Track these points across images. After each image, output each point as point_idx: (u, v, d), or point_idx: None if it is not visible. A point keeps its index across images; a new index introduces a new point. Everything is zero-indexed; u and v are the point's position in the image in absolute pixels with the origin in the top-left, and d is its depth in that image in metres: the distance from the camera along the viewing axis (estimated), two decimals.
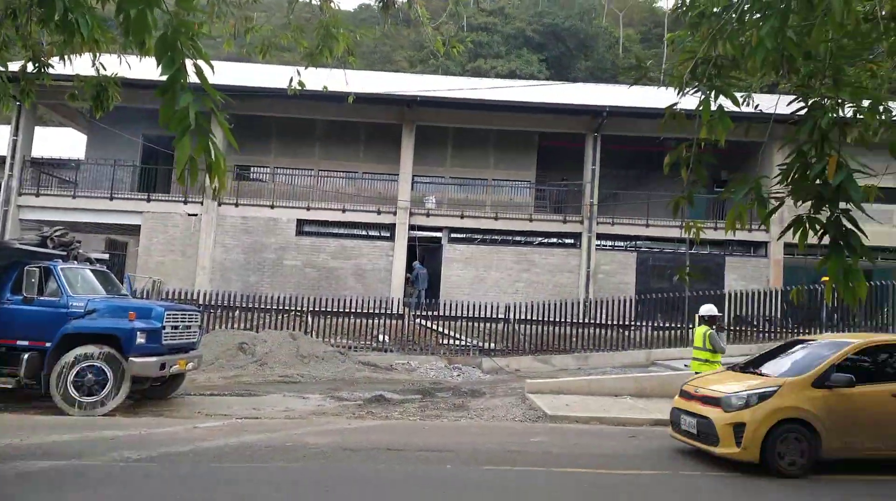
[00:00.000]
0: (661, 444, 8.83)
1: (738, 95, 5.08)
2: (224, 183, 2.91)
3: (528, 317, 17.22)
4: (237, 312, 16.91)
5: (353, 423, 9.37)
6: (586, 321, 17.39)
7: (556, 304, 17.27)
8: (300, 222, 20.62)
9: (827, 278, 3.00)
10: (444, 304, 17.93)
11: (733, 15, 3.14)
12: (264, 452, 7.24)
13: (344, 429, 8.87)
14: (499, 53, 41.97)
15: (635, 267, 20.75)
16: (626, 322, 17.36)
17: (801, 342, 8.34)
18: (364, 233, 20.93)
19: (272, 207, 20.51)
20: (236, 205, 20.52)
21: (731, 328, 17.18)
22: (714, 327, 10.29)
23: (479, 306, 17.19)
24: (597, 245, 20.82)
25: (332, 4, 5.55)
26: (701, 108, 3.36)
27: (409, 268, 20.50)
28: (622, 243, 21.02)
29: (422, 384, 13.54)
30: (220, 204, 20.48)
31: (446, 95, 20.33)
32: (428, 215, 20.85)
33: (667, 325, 17.23)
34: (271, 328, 16.52)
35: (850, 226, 2.88)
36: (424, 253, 21.59)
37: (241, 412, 9.85)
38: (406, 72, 35.40)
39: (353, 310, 17.02)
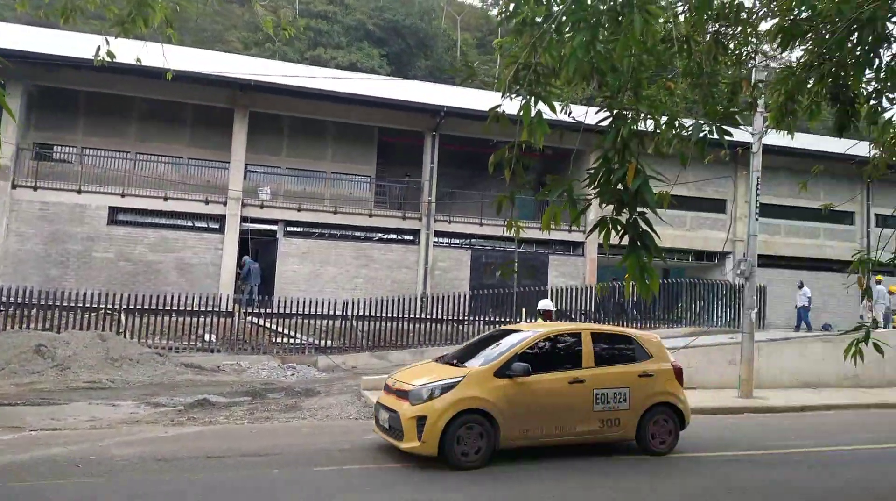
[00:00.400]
0: None
1: (558, 104, 5.40)
2: None
3: (367, 313, 17.15)
4: (34, 310, 14.86)
5: (170, 431, 8.64)
6: (423, 316, 17.73)
7: (394, 300, 17.39)
8: (113, 210, 18.62)
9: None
10: (279, 300, 17.26)
11: (553, 26, 3.30)
12: (63, 467, 6.42)
13: (158, 438, 8.14)
14: (339, 44, 41.30)
15: (470, 264, 21.56)
16: (461, 317, 17.98)
17: (508, 332, 8.16)
18: (189, 224, 19.43)
19: (79, 191, 18.28)
20: (34, 188, 18.02)
21: (553, 321, 18.48)
22: (545, 320, 10.98)
23: (316, 302, 16.80)
24: (434, 242, 21.31)
25: None
26: (521, 112, 3.50)
27: (240, 263, 19.42)
28: (458, 241, 21.73)
29: (252, 386, 12.88)
30: (13, 186, 17.86)
31: (283, 81, 19.48)
32: (262, 206, 19.92)
33: (497, 319, 18.10)
34: (77, 328, 14.74)
35: (645, 227, 3.16)
36: (258, 247, 20.62)
37: (36, 423, 8.65)
38: (240, 53, 33.43)
39: (175, 308, 15.72)
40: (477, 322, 17.91)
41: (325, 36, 41.33)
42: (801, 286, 20.62)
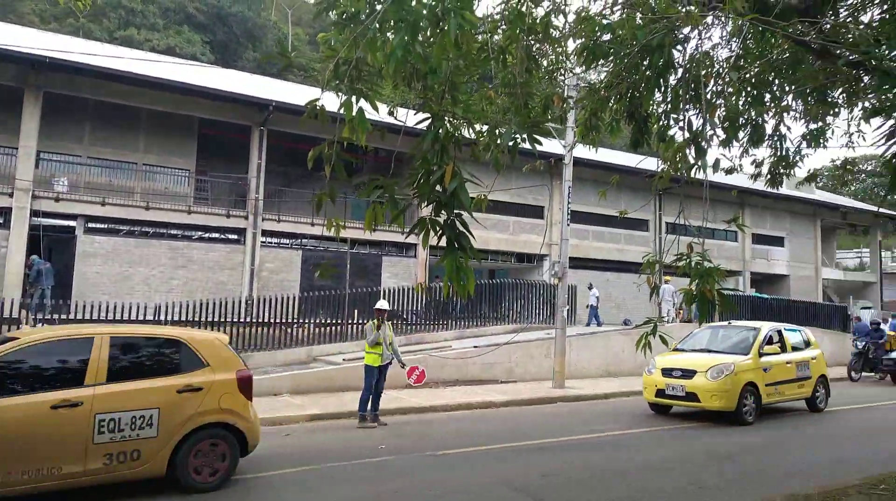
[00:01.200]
0: (317, 440, 9.00)
1: (385, 105, 5.37)
2: None
3: (185, 317, 15.83)
4: None
5: None
6: (249, 320, 16.80)
7: (216, 303, 16.27)
8: None
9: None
10: (77, 305, 15.29)
11: (376, 24, 3.25)
12: None
13: None
14: (154, 26, 37.91)
15: (300, 265, 20.90)
16: (290, 320, 17.33)
17: None
18: None
19: None
20: None
21: (385, 322, 18.55)
22: (379, 321, 10.94)
23: (124, 307, 15.16)
24: (262, 242, 20.35)
25: None
26: (343, 109, 3.41)
27: (28, 263, 16.93)
28: (288, 241, 20.96)
29: None
30: None
31: (85, 60, 17.35)
32: (57, 199, 17.55)
33: (329, 321, 17.74)
34: None
35: (462, 229, 3.23)
36: (51, 245, 18.16)
37: None
38: (36, 28, 29.27)
39: None
40: (308, 325, 17.40)
41: (138, 16, 37.67)
42: (590, 288, 22.79)
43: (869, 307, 33.70)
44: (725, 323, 14.04)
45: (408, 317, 19.29)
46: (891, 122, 3.30)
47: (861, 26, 4.04)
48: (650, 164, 6.31)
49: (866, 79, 5.07)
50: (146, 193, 19.42)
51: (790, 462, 8.27)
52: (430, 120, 3.16)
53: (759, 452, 8.81)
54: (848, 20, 4.18)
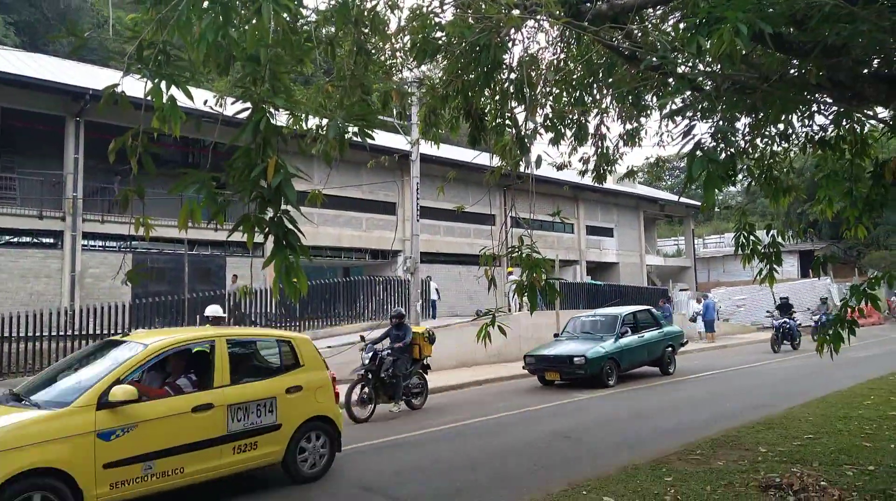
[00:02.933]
0: None
1: (211, 94, 5.01)
2: None
3: None
4: None
5: None
6: (71, 332, 15.05)
7: (29, 315, 14.38)
8: None
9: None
10: None
11: (186, 5, 2.98)
12: None
13: None
14: None
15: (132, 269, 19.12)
16: (122, 330, 15.78)
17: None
18: None
19: None
20: None
21: (232, 326, 17.57)
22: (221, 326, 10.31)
23: None
24: (84, 246, 18.34)
25: None
26: (150, 96, 3.10)
27: None
28: (115, 244, 19.08)
29: None
30: None
31: None
32: None
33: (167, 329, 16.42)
34: None
35: (290, 226, 3.08)
36: None
37: None
38: None
39: None
40: None
41: None
42: (429, 280, 23.29)
43: (686, 289, 38.04)
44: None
45: (259, 321, 18.43)
46: (686, 121, 3.68)
47: (663, 33, 4.45)
48: (487, 160, 6.52)
49: (671, 81, 5.62)
50: None
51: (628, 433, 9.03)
52: (250, 110, 2.96)
53: (596, 430, 9.53)
54: (650, 27, 4.60)
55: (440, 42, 4.57)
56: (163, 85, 3.19)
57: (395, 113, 7.14)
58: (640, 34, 5.16)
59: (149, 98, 3.26)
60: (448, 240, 27.64)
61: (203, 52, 2.78)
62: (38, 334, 14.34)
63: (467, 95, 5.55)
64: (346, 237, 24.06)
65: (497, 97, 5.36)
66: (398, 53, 5.79)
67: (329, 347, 15.73)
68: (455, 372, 16.74)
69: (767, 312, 24.00)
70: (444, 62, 5.57)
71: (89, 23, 39.78)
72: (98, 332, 15.27)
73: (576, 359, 13.38)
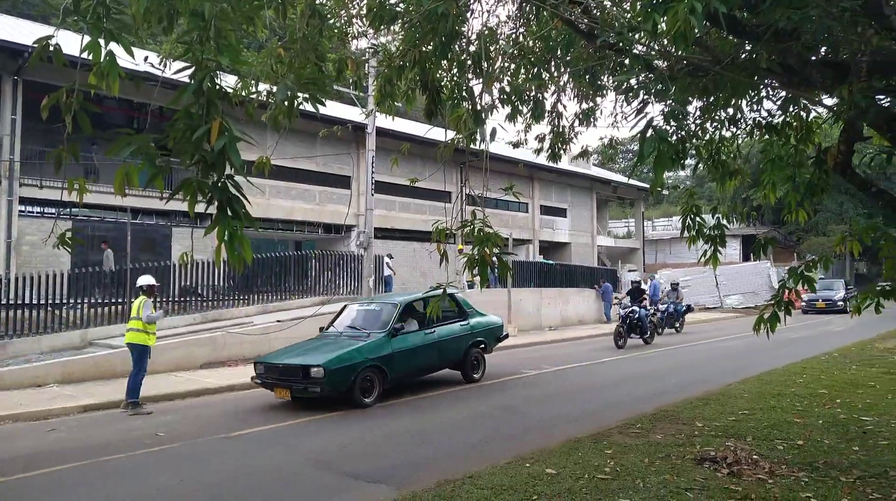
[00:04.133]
0: (90, 434, 8.02)
1: (153, 55, 4.76)
2: None
3: None
4: None
5: None
6: (6, 302, 14.36)
7: None
8: None
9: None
10: None
11: None
12: None
13: None
14: None
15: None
16: (60, 301, 15.14)
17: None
18: None
19: None
20: None
21: (178, 299, 17.09)
22: (153, 297, 10.02)
23: None
24: (20, 211, 17.47)
25: None
26: (88, 51, 2.92)
27: None
28: (54, 210, 18.22)
29: None
30: None
31: None
32: None
33: (108, 300, 15.83)
34: None
35: (235, 192, 2.96)
36: None
37: None
38: None
39: None
40: (81, 306, 15.37)
41: None
42: (390, 257, 23.07)
43: (634, 270, 39.01)
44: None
45: (206, 293, 17.98)
46: (639, 100, 3.71)
47: (621, 10, 4.45)
48: (441, 134, 6.45)
49: (627, 61, 5.64)
50: None
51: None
52: (193, 69, 2.81)
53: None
54: (608, 4, 4.59)
55: (398, 9, 4.45)
56: (101, 40, 3.00)
57: (350, 83, 6.97)
58: (598, 12, 5.16)
59: (87, 54, 3.08)
60: (403, 216, 27.50)
61: (144, 5, 2.61)
62: None
63: (424, 66, 5.44)
64: (298, 211, 23.62)
65: (454, 70, 5.28)
66: (354, 20, 5.63)
67: (279, 320, 15.53)
68: None
69: (616, 297, 22.19)
70: (402, 32, 5.45)
71: None
72: (36, 302, 14.64)
73: (313, 370, 9.10)
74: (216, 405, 9.87)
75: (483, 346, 11.97)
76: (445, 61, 4.88)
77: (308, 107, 3.70)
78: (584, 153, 8.42)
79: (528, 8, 5.75)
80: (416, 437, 7.62)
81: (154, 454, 6.97)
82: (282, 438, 7.64)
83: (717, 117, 5.93)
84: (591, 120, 7.51)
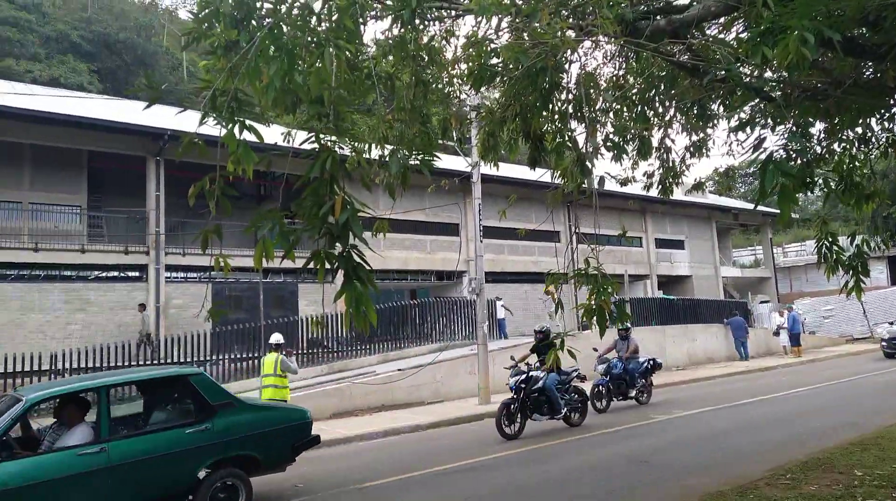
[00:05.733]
0: None
1: (280, 131, 5.23)
2: None
3: (85, 364, 14.79)
4: None
5: None
6: (157, 361, 15.87)
7: (118, 346, 15.28)
8: None
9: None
10: None
11: (255, 53, 3.15)
12: None
13: None
14: (36, 56, 35.60)
15: (211, 299, 19.99)
16: (203, 358, 16.52)
17: None
18: None
19: None
20: None
21: (306, 351, 18.06)
22: (283, 352, 10.71)
23: (15, 357, 13.95)
24: (167, 277, 19.35)
25: None
26: (224, 141, 3.28)
27: None
28: (195, 275, 20.03)
29: None
30: None
31: None
32: None
33: (245, 356, 17.05)
34: None
35: (358, 260, 3.16)
36: None
37: None
38: None
39: None
40: (222, 361, 16.66)
41: (15, 45, 35.23)
42: (498, 300, 23.03)
43: (767, 301, 36.21)
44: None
45: (330, 345, 18.85)
46: (755, 136, 3.57)
47: (724, 46, 4.34)
48: (545, 176, 6.50)
49: (739, 92, 5.44)
50: (35, 233, 18.05)
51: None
52: (317, 150, 3.08)
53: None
54: (710, 41, 4.49)
55: (497, 68, 4.62)
56: (235, 130, 3.37)
57: (454, 138, 7.22)
58: (700, 47, 5.05)
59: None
60: (512, 259, 27.51)
61: (272, 97, 2.92)
62: (127, 364, 15.18)
63: (525, 117, 5.56)
64: (412, 260, 24.35)
65: (556, 118, 5.35)
66: (455, 80, 5.88)
67: (399, 369, 15.92)
68: None
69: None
70: (502, 86, 5.61)
71: (165, 65, 42.41)
72: (183, 359, 16.05)
73: None
74: (349, 457, 10.20)
75: (254, 462, 7.09)
76: (546, 112, 4.97)
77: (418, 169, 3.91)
78: (699, 186, 8.10)
79: (626, 49, 5.74)
80: (535, 490, 7.44)
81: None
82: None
83: (844, 138, 5.53)
84: (704, 151, 7.25)
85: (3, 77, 27.43)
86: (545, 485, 7.52)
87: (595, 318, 3.87)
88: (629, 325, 14.39)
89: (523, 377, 10.85)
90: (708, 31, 5.25)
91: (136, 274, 19.00)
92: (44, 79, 32.11)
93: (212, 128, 3.42)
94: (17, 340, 16.33)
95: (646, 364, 14.10)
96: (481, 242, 15.68)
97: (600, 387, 13.22)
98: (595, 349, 13.29)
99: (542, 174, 5.88)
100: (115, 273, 18.71)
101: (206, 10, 3.25)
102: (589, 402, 12.15)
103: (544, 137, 6.12)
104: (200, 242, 3.34)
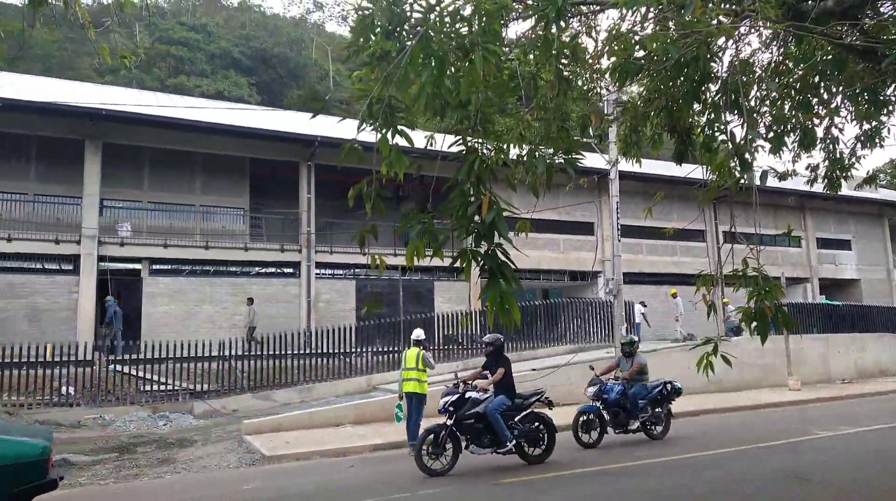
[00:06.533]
0: (375, 470, 9.01)
1: (423, 135, 5.47)
2: None
3: (247, 352, 16.33)
4: None
5: None
6: (308, 351, 17.12)
7: (275, 336, 16.68)
8: None
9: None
10: (146, 345, 15.97)
11: (406, 61, 3.33)
12: None
13: None
14: (203, 72, 39.79)
15: (355, 294, 21.20)
16: (348, 350, 17.55)
17: None
18: (39, 266, 17.62)
19: None
20: None
21: (442, 347, 18.57)
22: (420, 348, 11.06)
23: (190, 344, 15.73)
24: (316, 274, 20.80)
25: None
26: (378, 146, 3.49)
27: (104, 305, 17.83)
28: (341, 272, 21.34)
29: (119, 440, 11.84)
30: None
31: (139, 110, 18.33)
32: (122, 244, 18.48)
33: (386, 349, 17.87)
34: None
35: (503, 258, 3.24)
36: (119, 288, 19.05)
37: None
38: (92, 82, 31.04)
39: (25, 360, 14.11)
40: (365, 354, 17.60)
41: (186, 63, 39.67)
42: (643, 305, 22.00)
43: None
44: None
45: (464, 342, 19.22)
46: None
47: None
48: (699, 173, 6.18)
49: None
50: (205, 233, 20.20)
51: None
52: (464, 152, 3.20)
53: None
54: (887, 19, 4.02)
55: (641, 62, 4.48)
56: (388, 135, 3.58)
57: (593, 135, 7.09)
58: (873, 28, 4.54)
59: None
60: (651, 259, 26.36)
61: (423, 102, 3.07)
62: (282, 352, 16.52)
63: (672, 110, 5.33)
64: (544, 260, 24.15)
65: (708, 111, 5.07)
66: (595, 76, 5.78)
67: (533, 369, 15.85)
68: None
69: None
70: (647, 80, 5.43)
71: (314, 76, 45.60)
72: (330, 351, 17.17)
73: None
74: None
75: None
76: (696, 104, 4.73)
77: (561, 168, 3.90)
78: (871, 179, 7.29)
79: (784, 33, 5.31)
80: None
81: (430, 495, 7.53)
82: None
83: None
84: (877, 141, 6.51)
85: (177, 92, 30.93)
86: None
87: (755, 323, 3.63)
88: (636, 338, 11.74)
89: (455, 397, 8.59)
90: (882, 10, 4.72)
91: (290, 270, 20.61)
92: (210, 92, 35.83)
93: (364, 134, 3.65)
94: (191, 329, 18.35)
95: (659, 390, 10.92)
96: (619, 241, 15.19)
97: (589, 415, 10.20)
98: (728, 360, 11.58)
99: (691, 170, 5.61)
100: (273, 269, 20.44)
101: (362, 26, 3.48)
102: (572, 432, 9.91)
103: (692, 131, 5.84)
104: (357, 241, 3.59)
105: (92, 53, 37.54)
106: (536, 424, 9.01)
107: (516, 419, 8.75)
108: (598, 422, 10.18)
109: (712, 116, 5.51)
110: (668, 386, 11.06)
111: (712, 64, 4.92)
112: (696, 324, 25.01)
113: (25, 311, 17.10)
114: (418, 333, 10.96)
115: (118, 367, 15.50)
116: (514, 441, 8.61)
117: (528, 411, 8.97)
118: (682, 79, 4.57)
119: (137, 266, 18.71)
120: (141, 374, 15.56)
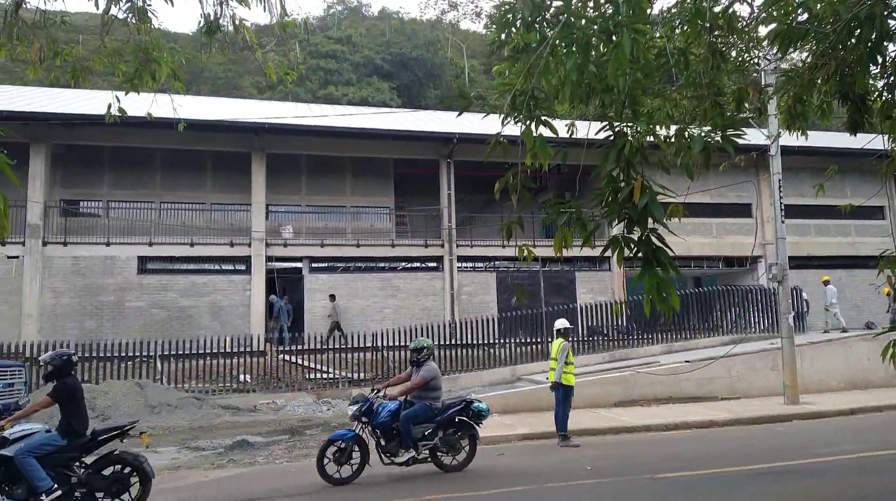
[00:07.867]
0: (531, 461, 9.10)
1: (563, 123, 5.43)
2: (5, 226, 2.56)
3: (397, 343, 17.18)
4: None
5: (210, 474, 8.70)
6: (453, 342, 17.64)
7: (422, 327, 17.37)
8: (142, 260, 19.03)
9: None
10: (309, 336, 17.37)
11: (548, 51, 3.34)
12: None
13: (199, 483, 8.20)
14: (349, 81, 42.23)
15: (496, 286, 21.44)
16: (491, 341, 17.85)
17: None
18: (217, 267, 19.78)
19: (108, 244, 18.75)
20: (64, 244, 18.53)
21: (585, 338, 18.25)
22: (569, 339, 10.94)
23: (346, 335, 16.88)
24: (458, 267, 21.30)
25: (151, 26, 5.20)
26: (523, 137, 3.53)
27: (269, 302, 19.71)
28: (482, 264, 21.68)
29: (289, 423, 12.98)
30: (44, 243, 18.39)
31: (296, 122, 19.90)
32: (286, 245, 20.20)
33: (529, 340, 17.92)
34: (114, 377, 15.01)
35: (658, 244, 3.14)
36: (285, 285, 20.86)
37: None
38: (254, 98, 34.21)
39: (209, 351, 15.96)
40: (508, 345, 17.77)
41: (334, 74, 42.34)
42: (826, 284, 19.86)
43: None
44: None
45: (608, 333, 18.74)
46: None
47: None
48: (877, 143, 5.54)
49: None
50: (355, 232, 21.49)
51: None
52: (612, 137, 3.14)
53: None
54: None
55: (806, 27, 4.09)
56: (532, 126, 3.61)
57: (749, 110, 6.60)
58: None
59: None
60: (820, 240, 23.88)
61: (568, 90, 3.06)
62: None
63: (843, 76, 4.81)
64: (694, 246, 22.76)
65: (887, 73, 4.52)
66: (752, 45, 5.36)
67: (687, 361, 15.06)
68: (843, 395, 14.27)
69: None
70: (811, 45, 4.95)
71: (449, 75, 46.67)
72: (473, 341, 17.57)
73: None
74: (636, 445, 10.07)
75: None
76: (875, 66, 4.23)
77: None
78: None
79: None
80: None
81: (589, 487, 7.47)
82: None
83: None
84: None
85: (327, 102, 33.12)
86: None
87: None
88: (428, 343, 8.63)
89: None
90: None
91: (434, 265, 21.31)
92: (356, 100, 37.96)
93: (506, 128, 3.70)
94: (344, 321, 19.64)
95: (456, 410, 8.25)
96: (783, 222, 13.93)
97: (341, 443, 7.80)
98: None
99: (868, 141, 5.04)
100: (417, 264, 21.26)
101: (503, 20, 3.53)
102: (316, 464, 7.74)
103: (868, 97, 5.24)
104: (504, 232, 3.66)
105: (252, 72, 41.42)
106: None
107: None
108: (357, 452, 7.86)
109: (892, 79, 4.91)
110: (461, 405, 8.36)
111: (890, 21, 4.39)
112: (860, 314, 22.28)
113: (208, 308, 19.28)
114: (561, 322, 10.82)
115: (286, 357, 17.00)
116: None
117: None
118: (854, 41, 4.11)
119: (299, 265, 20.35)
120: (305, 363, 16.95)
